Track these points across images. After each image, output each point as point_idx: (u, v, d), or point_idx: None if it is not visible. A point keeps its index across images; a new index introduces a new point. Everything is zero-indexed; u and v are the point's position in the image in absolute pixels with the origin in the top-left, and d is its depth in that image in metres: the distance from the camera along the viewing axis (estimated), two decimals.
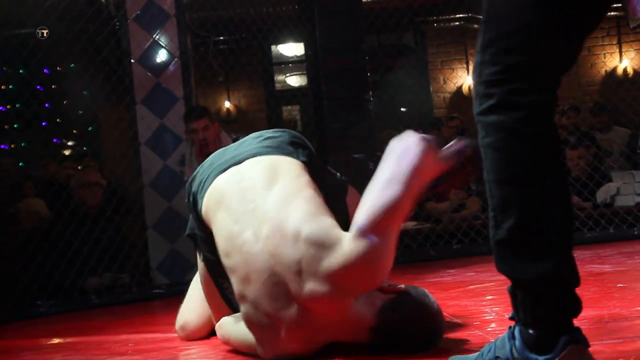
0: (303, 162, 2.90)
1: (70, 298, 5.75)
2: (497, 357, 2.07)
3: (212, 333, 3.38)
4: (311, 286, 2.46)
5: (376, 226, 2.45)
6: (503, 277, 4.15)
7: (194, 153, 6.25)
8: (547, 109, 2.00)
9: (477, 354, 2.17)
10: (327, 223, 2.61)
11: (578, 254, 5.58)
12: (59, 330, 4.33)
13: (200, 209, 2.87)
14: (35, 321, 5.02)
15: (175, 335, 3.61)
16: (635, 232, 7.06)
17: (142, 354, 3.33)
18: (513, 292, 2.03)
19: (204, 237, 2.92)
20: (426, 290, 2.66)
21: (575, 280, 1.98)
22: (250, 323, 2.66)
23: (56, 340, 4.02)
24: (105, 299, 5.69)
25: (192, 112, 6.47)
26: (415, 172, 2.48)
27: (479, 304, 3.65)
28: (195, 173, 3.05)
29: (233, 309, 2.99)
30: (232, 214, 2.70)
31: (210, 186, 2.84)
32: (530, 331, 1.98)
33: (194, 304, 3.44)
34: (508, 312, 3.41)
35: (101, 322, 4.54)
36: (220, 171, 2.87)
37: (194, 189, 2.96)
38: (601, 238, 6.97)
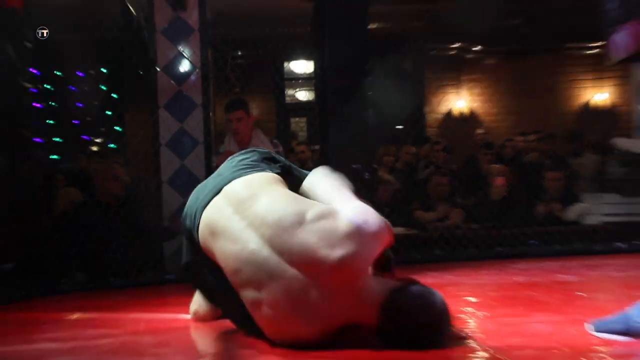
0: (277, 173, 2.97)
1: (91, 278, 5.79)
2: None
3: (219, 317, 3.42)
4: (339, 252, 2.48)
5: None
6: (478, 282, 4.20)
7: (232, 138, 6.46)
8: None
9: (621, 315, 2.55)
10: (319, 204, 2.72)
11: (546, 264, 5.64)
12: (80, 307, 4.35)
13: (198, 241, 2.88)
14: (59, 297, 5.04)
15: (183, 316, 3.64)
16: (599, 248, 7.10)
17: (153, 332, 3.36)
18: None
19: (207, 264, 2.90)
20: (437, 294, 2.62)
21: None
22: (269, 323, 2.65)
23: (76, 316, 4.04)
24: (123, 281, 5.72)
25: (230, 103, 6.59)
26: None
27: (456, 303, 3.67)
28: (185, 211, 3.05)
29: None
30: (229, 237, 2.71)
31: (201, 220, 2.86)
32: None
33: None
34: (481, 310, 3.47)
35: (117, 301, 4.57)
36: (205, 204, 2.88)
37: (187, 226, 2.98)
38: (568, 251, 7.01)
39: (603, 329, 2.59)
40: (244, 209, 2.74)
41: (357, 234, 2.52)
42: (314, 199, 2.83)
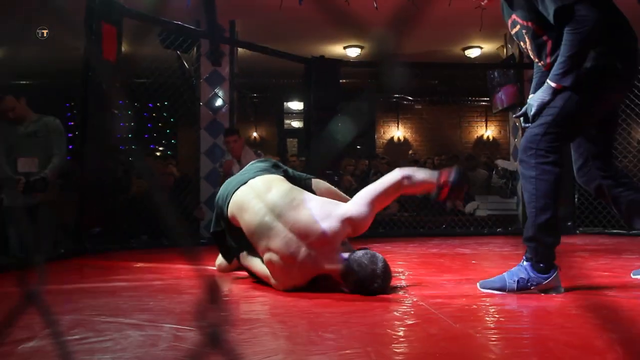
0: (283, 175, 3.03)
1: (151, 239, 5.73)
2: (521, 277, 2.49)
3: (235, 269, 3.39)
4: (327, 224, 2.55)
5: (368, 202, 2.65)
6: (406, 252, 4.09)
7: (229, 153, 6.39)
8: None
9: (498, 277, 2.56)
10: (312, 196, 2.77)
11: (452, 242, 5.58)
12: (142, 259, 4.31)
13: (227, 215, 2.90)
14: (129, 252, 4.98)
15: (211, 267, 3.59)
16: (486, 232, 7.12)
17: (189, 277, 3.31)
18: (536, 247, 2.45)
19: (232, 230, 2.95)
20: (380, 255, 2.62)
21: (558, 245, 2.47)
22: (271, 264, 2.66)
23: (139, 264, 4.00)
24: (171, 242, 5.66)
25: (227, 130, 6.60)
26: (398, 186, 2.71)
27: (392, 266, 3.61)
28: (218, 195, 3.07)
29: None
30: (250, 212, 2.74)
31: (231, 200, 2.89)
32: (541, 265, 2.45)
33: None
34: (407, 271, 3.41)
35: (167, 256, 4.51)
36: (235, 190, 2.91)
37: (220, 205, 2.99)
38: (466, 233, 7.01)
39: (487, 286, 2.57)
40: (261, 196, 2.77)
41: (339, 221, 2.57)
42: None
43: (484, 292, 2.54)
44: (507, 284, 2.51)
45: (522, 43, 2.73)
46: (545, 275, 2.45)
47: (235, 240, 3.00)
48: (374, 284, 2.51)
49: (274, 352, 1.59)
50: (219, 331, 0.74)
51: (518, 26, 2.66)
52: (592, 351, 1.55)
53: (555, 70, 2.47)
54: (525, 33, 2.64)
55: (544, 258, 2.45)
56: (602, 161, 2.77)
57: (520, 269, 2.50)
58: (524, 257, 2.52)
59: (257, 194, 2.80)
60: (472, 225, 7.38)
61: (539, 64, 2.72)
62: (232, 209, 2.88)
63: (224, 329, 0.75)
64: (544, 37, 2.57)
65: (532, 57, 2.73)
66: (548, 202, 2.42)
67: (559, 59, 2.45)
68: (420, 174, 2.74)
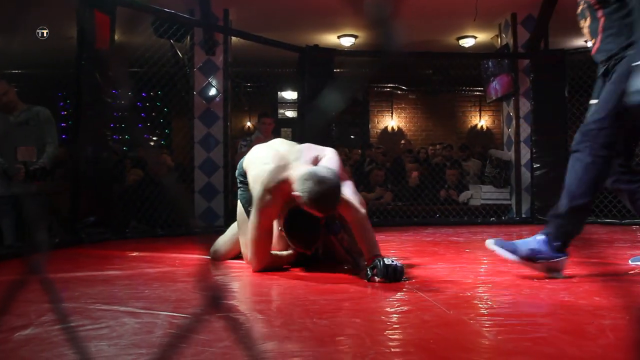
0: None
1: (145, 229, 5.73)
2: (532, 248, 2.50)
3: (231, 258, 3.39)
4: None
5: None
6: (401, 240, 4.07)
7: (262, 134, 6.76)
8: None
9: (511, 242, 2.58)
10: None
11: (445, 230, 5.58)
12: (137, 248, 4.29)
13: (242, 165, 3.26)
14: (124, 241, 4.97)
15: (205, 256, 3.59)
16: (479, 221, 7.13)
17: (184, 266, 3.31)
18: (560, 225, 2.48)
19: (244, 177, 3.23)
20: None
21: (578, 234, 2.55)
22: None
23: (134, 253, 3.98)
24: (166, 232, 5.66)
25: (266, 113, 7.19)
26: None
27: (386, 254, 3.64)
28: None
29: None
30: (284, 149, 3.16)
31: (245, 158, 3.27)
32: (556, 243, 2.48)
33: (224, 240, 3.47)
34: (402, 258, 3.42)
35: (162, 245, 4.50)
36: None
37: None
38: (459, 222, 7.03)
39: (498, 244, 2.58)
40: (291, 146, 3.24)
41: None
42: None
43: (477, 280, 2.55)
44: (519, 249, 2.52)
45: (582, 21, 2.72)
46: (556, 254, 2.47)
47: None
48: (320, 201, 2.64)
49: (269, 338, 1.61)
50: (220, 295, 0.76)
51: (582, 3, 2.67)
52: (585, 337, 1.56)
53: (638, 50, 2.32)
54: (587, 8, 2.64)
55: (561, 238, 2.47)
56: (624, 157, 2.73)
57: (533, 241, 2.51)
58: (541, 232, 2.53)
59: (270, 146, 3.22)
60: (466, 215, 7.41)
61: (590, 42, 2.69)
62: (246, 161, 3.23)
63: (224, 293, 0.77)
64: (599, 13, 2.56)
65: (587, 37, 2.71)
66: (590, 190, 2.44)
67: (635, 37, 2.35)
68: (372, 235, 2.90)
